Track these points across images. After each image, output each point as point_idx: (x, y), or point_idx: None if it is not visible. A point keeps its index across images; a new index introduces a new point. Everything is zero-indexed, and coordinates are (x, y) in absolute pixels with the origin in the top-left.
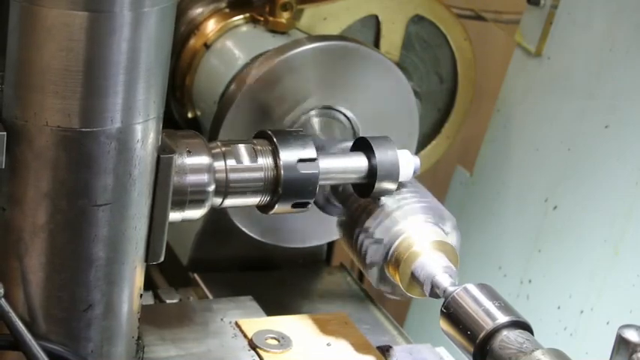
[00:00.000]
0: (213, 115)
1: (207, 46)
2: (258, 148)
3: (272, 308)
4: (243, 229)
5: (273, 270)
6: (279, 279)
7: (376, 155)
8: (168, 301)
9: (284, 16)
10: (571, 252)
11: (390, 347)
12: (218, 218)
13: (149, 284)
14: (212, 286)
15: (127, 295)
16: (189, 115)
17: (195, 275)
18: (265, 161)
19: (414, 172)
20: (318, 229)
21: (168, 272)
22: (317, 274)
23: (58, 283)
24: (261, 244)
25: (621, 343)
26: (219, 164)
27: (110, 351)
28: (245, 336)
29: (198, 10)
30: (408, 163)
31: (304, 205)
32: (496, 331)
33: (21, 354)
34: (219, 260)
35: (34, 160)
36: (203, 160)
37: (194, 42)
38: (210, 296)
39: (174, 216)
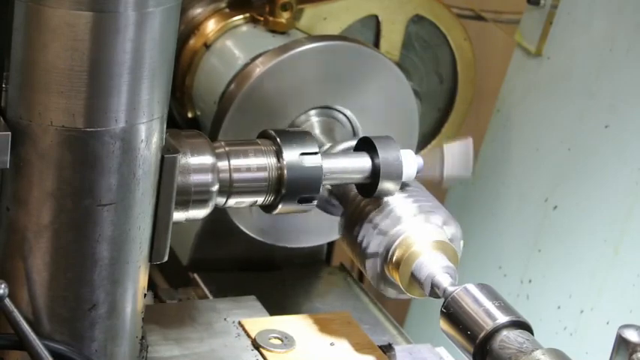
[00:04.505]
0: (213, 115)
1: (207, 46)
2: (262, 148)
3: (272, 308)
4: (243, 229)
5: (273, 270)
6: (279, 279)
7: (380, 155)
8: (168, 301)
9: (284, 16)
10: (571, 252)
11: (391, 345)
12: (218, 218)
13: (149, 284)
14: (212, 286)
15: (130, 294)
16: (189, 115)
17: (195, 275)
18: (269, 161)
19: (417, 172)
20: (318, 229)
21: (168, 272)
22: (317, 274)
23: (62, 282)
24: (261, 244)
25: (621, 343)
26: (222, 164)
27: (114, 350)
28: (248, 336)
29: (198, 10)
30: (411, 163)
31: (310, 200)
32: (496, 331)
33: (25, 353)
34: (219, 260)
35: (39, 159)
36: (207, 159)
37: (194, 42)
38: (210, 296)
39: (178, 216)
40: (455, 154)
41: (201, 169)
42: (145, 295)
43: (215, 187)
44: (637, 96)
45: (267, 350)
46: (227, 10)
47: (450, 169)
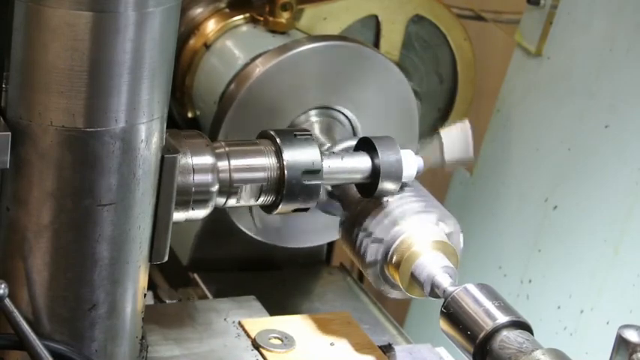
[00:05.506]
0: (213, 115)
1: (207, 46)
2: (262, 148)
3: (272, 308)
4: (243, 229)
5: (273, 270)
6: (279, 279)
7: (380, 155)
8: (168, 301)
9: (284, 16)
10: (571, 252)
11: (391, 345)
12: (218, 218)
13: (149, 284)
14: (212, 286)
15: (130, 294)
16: (189, 115)
17: (195, 275)
18: (269, 161)
19: (417, 173)
20: (318, 229)
21: (168, 272)
22: (317, 274)
23: (62, 282)
24: (261, 244)
25: (621, 343)
26: (222, 164)
27: (114, 351)
28: (248, 336)
29: (198, 10)
30: (411, 163)
31: (305, 210)
32: (496, 331)
33: (25, 353)
34: (219, 260)
35: (39, 159)
36: (207, 160)
37: (194, 42)
38: (210, 296)
39: (178, 216)
40: (453, 138)
41: (201, 169)
42: (145, 295)
43: (215, 188)
44: (637, 96)
45: (267, 350)
46: (227, 10)
47: (450, 153)
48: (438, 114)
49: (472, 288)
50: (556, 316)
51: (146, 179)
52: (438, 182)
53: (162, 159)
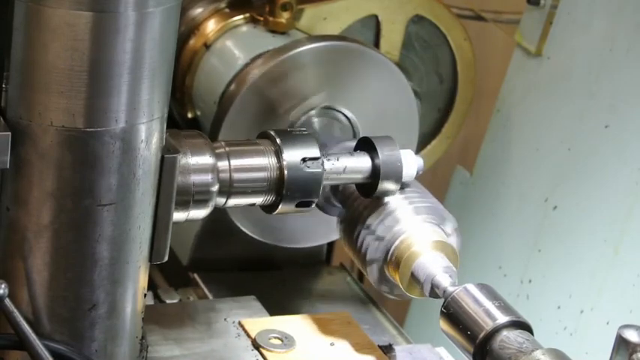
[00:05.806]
0: (213, 115)
1: (207, 46)
2: (262, 148)
3: (272, 308)
4: (243, 229)
5: (273, 270)
6: (279, 279)
7: (379, 155)
8: (168, 301)
9: (284, 16)
10: (571, 252)
11: (391, 346)
12: (218, 218)
13: (149, 284)
14: (212, 286)
15: (130, 294)
16: (189, 115)
17: (195, 275)
18: (269, 161)
19: (417, 172)
20: (318, 229)
21: (168, 272)
22: (317, 274)
23: (62, 282)
24: (261, 244)
25: (621, 343)
26: (222, 164)
27: (114, 351)
28: (248, 336)
29: (198, 10)
30: (411, 163)
31: (308, 204)
32: (496, 331)
33: (25, 353)
34: (219, 260)
35: (39, 159)
36: (207, 160)
37: (194, 42)
38: (210, 296)
39: (179, 216)
40: None
41: (201, 169)
42: (145, 295)
43: (215, 188)
44: (637, 96)
45: (267, 350)
46: (227, 10)
47: None
48: (438, 114)
49: (472, 288)
50: (556, 316)
51: (146, 179)
52: (437, 182)
53: (162, 159)
